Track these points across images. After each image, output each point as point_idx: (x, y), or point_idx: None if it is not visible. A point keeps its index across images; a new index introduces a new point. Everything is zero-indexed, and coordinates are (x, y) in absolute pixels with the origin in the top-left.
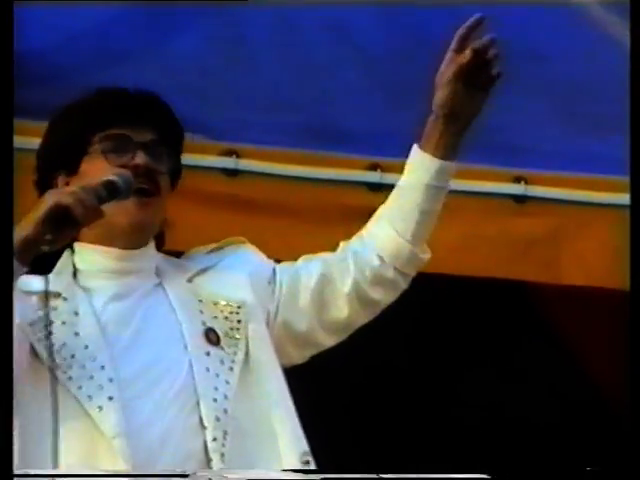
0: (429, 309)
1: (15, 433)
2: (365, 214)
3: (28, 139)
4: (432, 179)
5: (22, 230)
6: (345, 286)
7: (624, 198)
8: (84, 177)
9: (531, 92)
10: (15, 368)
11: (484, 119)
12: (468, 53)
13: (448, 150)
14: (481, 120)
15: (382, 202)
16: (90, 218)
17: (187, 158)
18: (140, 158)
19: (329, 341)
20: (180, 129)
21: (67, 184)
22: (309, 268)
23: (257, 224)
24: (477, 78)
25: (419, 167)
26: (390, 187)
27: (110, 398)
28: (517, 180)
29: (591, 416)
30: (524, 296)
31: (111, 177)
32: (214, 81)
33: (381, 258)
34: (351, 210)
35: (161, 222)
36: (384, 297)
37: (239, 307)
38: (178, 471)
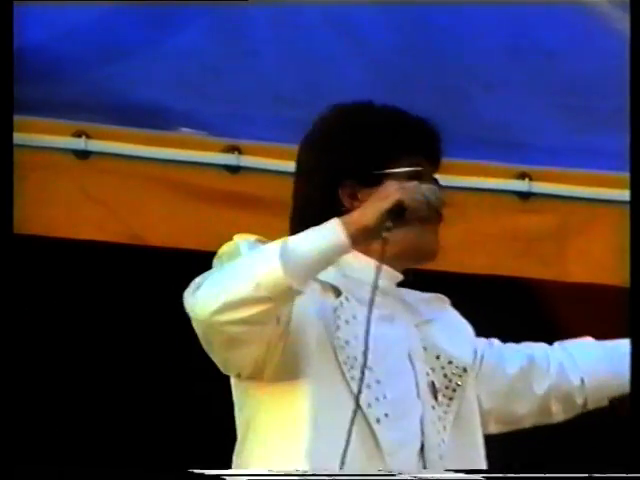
0: None
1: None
2: None
3: (28, 135)
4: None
5: (364, 218)
6: (540, 390)
7: (627, 194)
8: (376, 192)
9: (535, 88)
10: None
11: (489, 116)
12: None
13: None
14: (486, 117)
15: None
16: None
17: (189, 154)
18: (437, 190)
19: (492, 429)
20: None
21: (354, 193)
22: (514, 356)
23: (260, 221)
24: None
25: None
26: None
27: (386, 415)
28: (521, 177)
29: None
30: (528, 294)
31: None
32: (214, 77)
33: (582, 382)
34: None
35: None
36: (560, 414)
37: (464, 370)
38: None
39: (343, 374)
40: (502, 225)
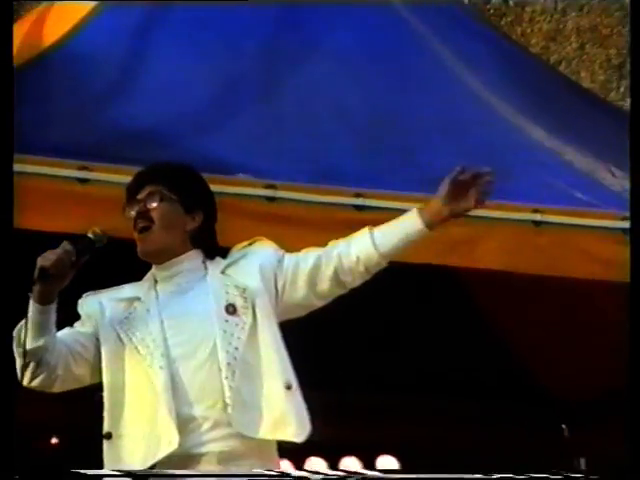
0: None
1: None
2: (348, 227)
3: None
4: (415, 236)
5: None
6: (329, 268)
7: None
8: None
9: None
10: (104, 354)
11: None
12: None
13: (435, 227)
14: None
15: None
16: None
17: (241, 189)
18: (133, 210)
19: (319, 304)
20: (185, 178)
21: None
22: (307, 258)
23: (287, 233)
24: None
25: (413, 225)
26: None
27: (160, 367)
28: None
29: (514, 383)
30: (455, 281)
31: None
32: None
33: (358, 258)
34: (339, 222)
35: (189, 236)
36: (353, 281)
37: (247, 289)
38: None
39: (138, 350)
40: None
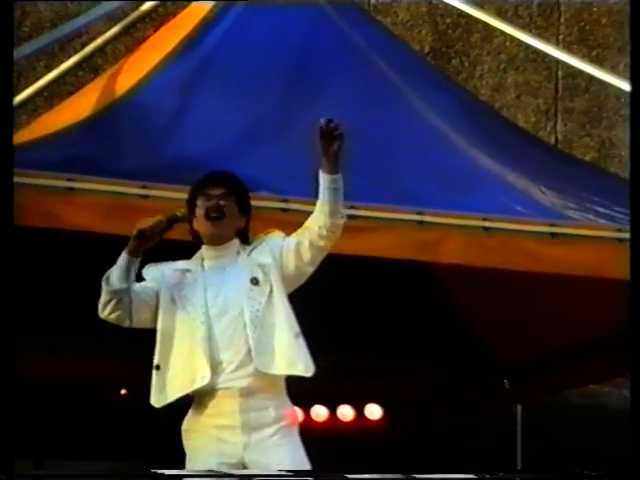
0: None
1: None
2: (343, 231)
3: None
4: (330, 184)
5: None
6: (306, 241)
7: None
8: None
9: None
10: (160, 307)
11: None
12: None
13: (332, 170)
14: None
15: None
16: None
17: (262, 203)
18: (210, 201)
19: (310, 269)
20: (238, 185)
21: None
22: (291, 238)
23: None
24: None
25: (322, 180)
26: None
27: (202, 322)
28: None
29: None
30: (424, 272)
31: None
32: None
33: (319, 227)
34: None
35: (237, 230)
36: (325, 244)
37: (265, 266)
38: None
39: (184, 313)
40: None
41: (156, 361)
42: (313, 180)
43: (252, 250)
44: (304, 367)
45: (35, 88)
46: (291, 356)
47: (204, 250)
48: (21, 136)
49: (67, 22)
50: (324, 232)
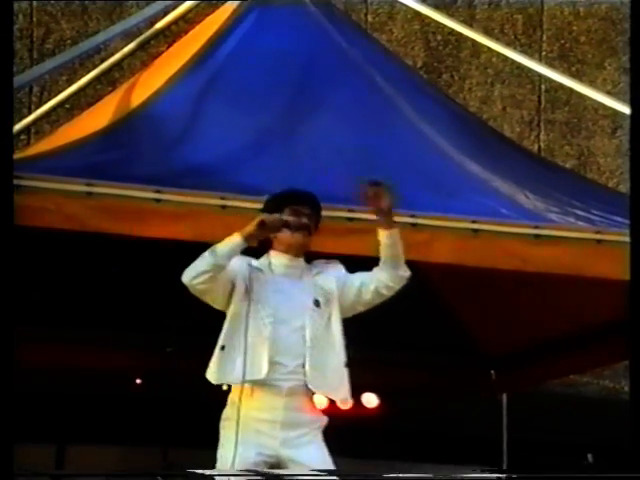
0: None
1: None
2: (339, 233)
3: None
4: (392, 238)
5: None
6: (371, 285)
7: None
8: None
9: None
10: (235, 294)
11: None
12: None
13: (387, 226)
14: None
15: None
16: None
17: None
18: (300, 217)
19: (361, 309)
20: (318, 206)
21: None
22: (357, 278)
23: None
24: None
25: (387, 236)
26: None
27: (270, 322)
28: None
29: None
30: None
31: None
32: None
33: (385, 278)
34: (333, 230)
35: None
36: (388, 293)
37: (331, 293)
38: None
39: (255, 307)
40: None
41: (222, 342)
42: (313, 186)
43: (317, 273)
44: (344, 397)
45: (57, 100)
46: (338, 383)
47: (274, 257)
48: (44, 145)
49: (87, 40)
50: (390, 283)
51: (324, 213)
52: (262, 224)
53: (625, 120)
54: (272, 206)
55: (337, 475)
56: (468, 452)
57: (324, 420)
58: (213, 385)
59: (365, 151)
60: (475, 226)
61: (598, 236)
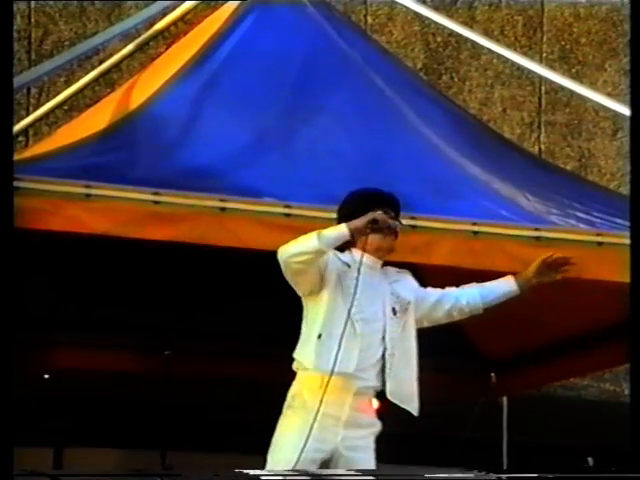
0: None
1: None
2: None
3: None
4: (510, 296)
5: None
6: (446, 306)
7: None
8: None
9: None
10: (327, 284)
11: None
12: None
13: (523, 290)
14: None
15: None
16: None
17: (266, 208)
18: (393, 223)
19: (427, 324)
20: (399, 210)
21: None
22: (433, 294)
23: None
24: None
25: (510, 289)
26: None
27: (361, 318)
28: None
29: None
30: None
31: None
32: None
33: (468, 304)
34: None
35: None
36: (457, 317)
37: (408, 303)
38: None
39: (345, 301)
40: None
41: (319, 330)
42: (313, 188)
43: (395, 281)
44: (416, 406)
45: (56, 102)
46: (410, 393)
47: (359, 256)
48: (43, 146)
49: (85, 41)
50: (466, 311)
51: (324, 215)
52: (374, 221)
53: (626, 122)
54: (360, 205)
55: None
56: (468, 455)
57: (379, 425)
58: (211, 388)
59: (365, 153)
60: (475, 228)
61: (599, 238)
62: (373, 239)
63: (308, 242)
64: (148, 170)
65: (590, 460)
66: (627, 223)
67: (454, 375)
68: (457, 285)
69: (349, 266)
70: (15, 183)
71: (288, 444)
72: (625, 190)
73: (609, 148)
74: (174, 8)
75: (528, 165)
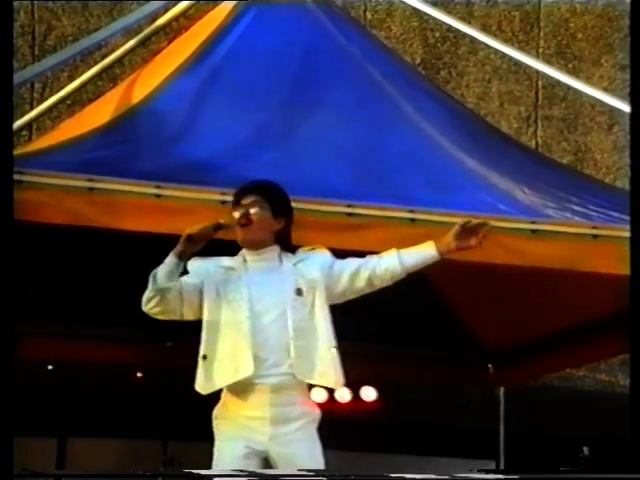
0: None
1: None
2: (340, 228)
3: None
4: (429, 261)
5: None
6: (366, 273)
7: None
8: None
9: None
10: (206, 301)
11: None
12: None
13: (444, 256)
14: None
15: None
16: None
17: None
18: (238, 212)
19: (352, 297)
20: (276, 193)
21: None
22: (350, 264)
23: (298, 234)
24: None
25: (430, 253)
26: None
27: (247, 317)
28: None
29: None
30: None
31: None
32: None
33: (387, 270)
34: (333, 224)
35: (275, 234)
36: (380, 285)
37: (311, 280)
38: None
39: (230, 307)
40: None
41: (203, 351)
42: (312, 181)
43: (299, 262)
44: (334, 380)
45: (59, 96)
46: (325, 368)
47: (245, 252)
48: (46, 140)
49: (88, 36)
50: (388, 276)
51: (324, 208)
52: (189, 238)
53: (622, 116)
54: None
55: (325, 475)
56: (465, 445)
57: (317, 414)
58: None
59: (364, 146)
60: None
61: (595, 231)
62: (234, 236)
63: (148, 286)
64: (150, 164)
65: (586, 449)
66: (623, 216)
67: (452, 366)
68: (456, 277)
69: (234, 269)
70: (18, 177)
71: (219, 452)
72: (621, 184)
73: (605, 142)
74: (176, 3)
75: (525, 159)
